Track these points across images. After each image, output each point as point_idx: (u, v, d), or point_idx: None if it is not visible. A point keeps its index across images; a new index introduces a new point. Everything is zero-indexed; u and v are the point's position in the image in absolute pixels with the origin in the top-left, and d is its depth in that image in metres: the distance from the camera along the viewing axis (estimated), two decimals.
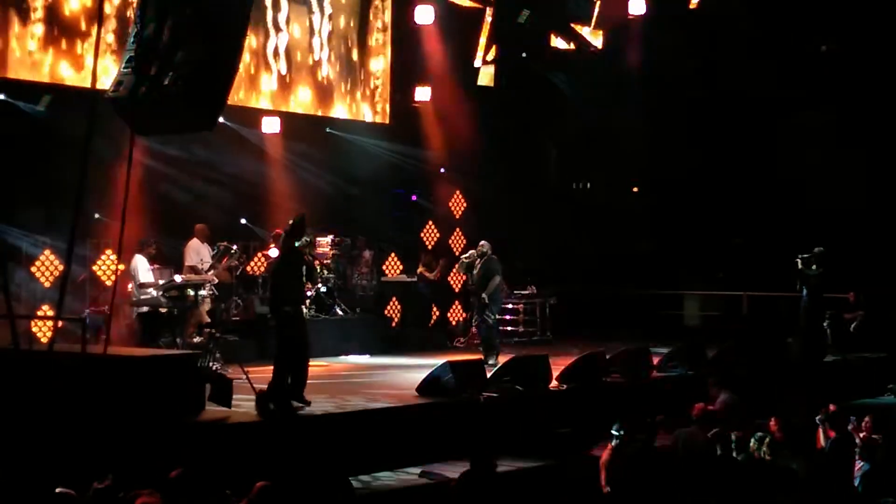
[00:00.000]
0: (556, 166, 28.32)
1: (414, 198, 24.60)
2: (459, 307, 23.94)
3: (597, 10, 25.07)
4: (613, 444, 12.19)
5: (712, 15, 25.33)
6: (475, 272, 18.40)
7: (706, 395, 15.17)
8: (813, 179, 25.65)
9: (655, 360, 17.61)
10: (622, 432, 12.21)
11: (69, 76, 17.95)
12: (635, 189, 28.80)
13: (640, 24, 24.83)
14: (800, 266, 20.49)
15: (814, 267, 20.41)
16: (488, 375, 15.15)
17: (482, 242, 18.59)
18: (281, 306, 13.33)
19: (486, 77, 24.88)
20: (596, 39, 25.66)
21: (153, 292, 16.36)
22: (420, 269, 22.79)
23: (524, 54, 25.45)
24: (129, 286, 16.49)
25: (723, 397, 15.16)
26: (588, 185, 28.92)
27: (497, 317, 18.71)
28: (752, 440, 12.07)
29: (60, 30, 17.98)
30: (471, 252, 18.94)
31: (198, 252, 17.45)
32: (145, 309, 16.26)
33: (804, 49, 25.99)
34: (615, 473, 11.89)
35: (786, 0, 25.49)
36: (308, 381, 13.58)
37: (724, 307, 26.26)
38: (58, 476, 8.87)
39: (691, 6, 25.61)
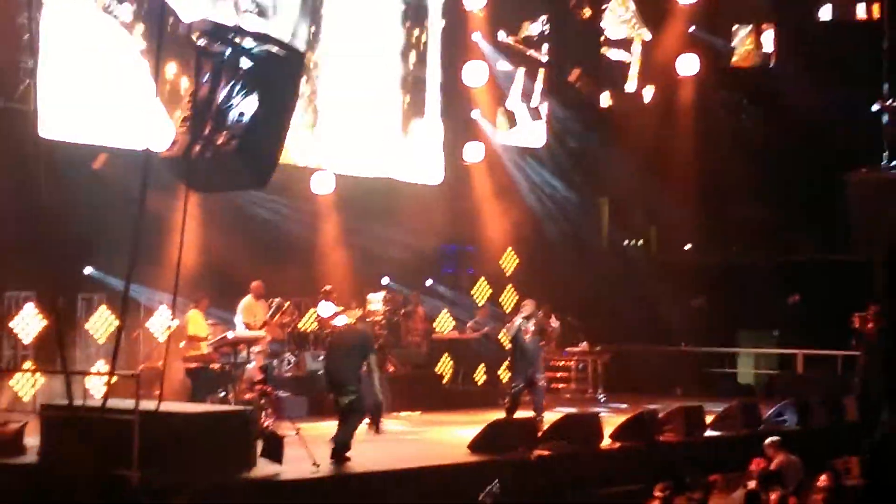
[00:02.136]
0: (608, 223, 28.31)
1: (465, 254, 24.63)
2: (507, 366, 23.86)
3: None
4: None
5: (768, 71, 25.39)
6: (528, 335, 17.31)
7: (761, 455, 14.98)
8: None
9: (709, 419, 17.44)
10: (668, 492, 12.07)
11: (125, 136, 18.23)
12: (688, 246, 28.67)
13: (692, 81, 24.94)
14: (856, 324, 20.26)
15: (870, 326, 20.17)
16: (539, 434, 15.07)
17: (527, 301, 17.88)
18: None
19: (536, 135, 25.02)
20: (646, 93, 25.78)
21: (205, 348, 16.48)
22: (470, 325, 22.80)
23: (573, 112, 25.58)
24: (182, 342, 16.61)
25: (780, 458, 14.97)
26: (640, 241, 28.85)
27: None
28: None
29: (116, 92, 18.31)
30: (517, 317, 17.72)
31: (251, 309, 17.58)
32: (197, 364, 16.37)
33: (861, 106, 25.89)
34: None
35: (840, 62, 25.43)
36: (360, 437, 13.64)
37: (779, 365, 26.01)
38: None
39: (744, 65, 25.69)
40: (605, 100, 25.87)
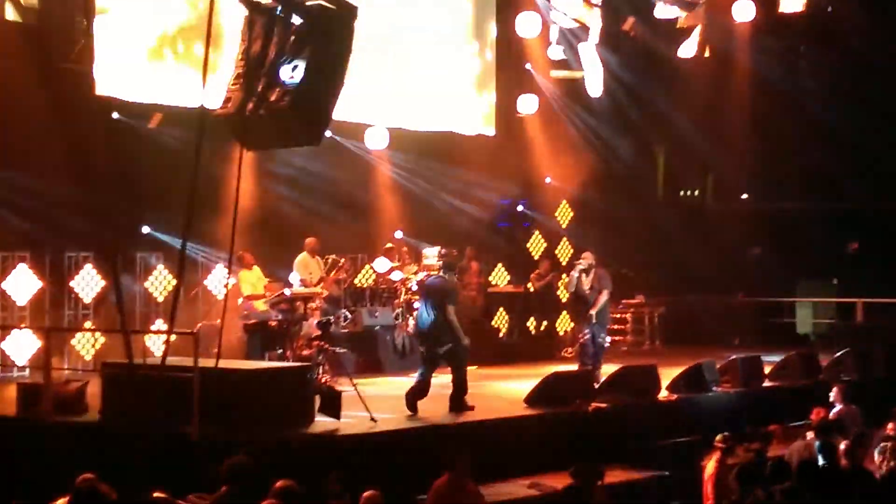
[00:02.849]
0: (663, 173, 28.10)
1: (520, 208, 24.58)
2: (567, 318, 23.82)
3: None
4: (718, 454, 12.00)
5: (825, 15, 25.01)
6: (587, 287, 17.02)
7: (822, 405, 14.89)
8: None
9: (767, 369, 17.35)
10: (728, 443, 12.02)
11: (179, 94, 18.28)
12: (745, 195, 28.41)
13: (747, 28, 24.62)
14: None
15: None
16: (597, 386, 15.07)
17: (585, 254, 17.56)
18: None
19: (592, 84, 24.82)
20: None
21: (262, 306, 16.59)
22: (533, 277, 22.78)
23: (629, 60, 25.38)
24: (240, 300, 16.74)
25: (839, 407, 14.87)
26: (696, 191, 28.64)
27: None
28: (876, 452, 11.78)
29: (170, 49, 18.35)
30: (574, 270, 17.45)
31: (307, 266, 17.65)
32: (255, 321, 16.48)
33: None
34: (721, 486, 11.70)
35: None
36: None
37: (839, 314, 25.79)
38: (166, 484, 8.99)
39: (799, 10, 25.32)
40: (660, 48, 25.58)
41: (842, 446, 11.69)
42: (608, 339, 17.80)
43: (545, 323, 23.23)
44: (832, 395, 15.11)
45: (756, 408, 15.84)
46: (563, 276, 20.63)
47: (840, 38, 25.85)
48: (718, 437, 12.15)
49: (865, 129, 25.26)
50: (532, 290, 22.86)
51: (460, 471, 10.39)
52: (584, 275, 17.06)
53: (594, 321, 16.95)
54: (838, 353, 18.43)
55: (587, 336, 17.02)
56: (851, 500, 9.73)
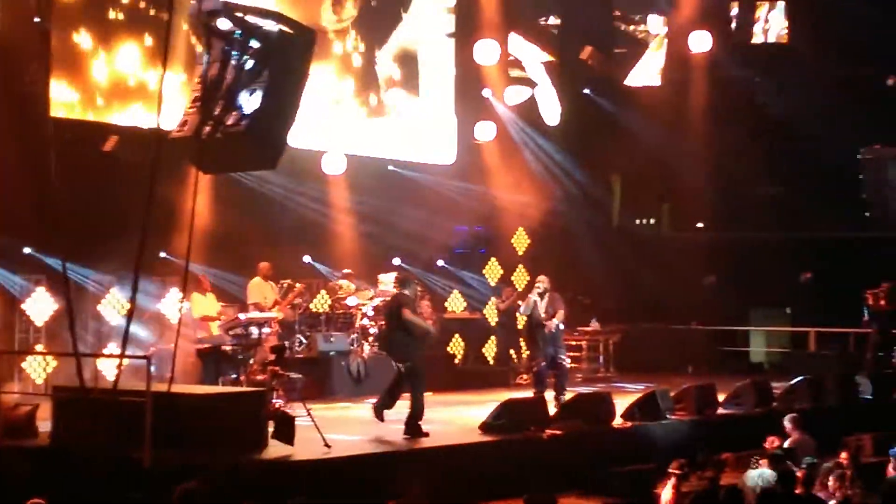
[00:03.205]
0: (620, 201, 28.23)
1: (477, 228, 24.61)
2: (523, 344, 23.84)
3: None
4: (673, 481, 12.03)
5: (782, 47, 25.29)
6: (542, 311, 17.11)
7: (775, 433, 14.96)
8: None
9: (721, 397, 17.41)
10: (683, 470, 12.05)
11: (136, 116, 18.19)
12: (700, 224, 28.58)
13: (704, 58, 24.85)
14: (869, 301, 20.23)
15: (882, 303, 20.14)
16: (551, 413, 15.07)
17: (541, 278, 17.56)
18: None
19: (548, 113, 24.95)
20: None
21: (215, 330, 16.49)
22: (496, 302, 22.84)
23: (586, 90, 25.52)
24: (191, 324, 16.63)
25: (795, 436, 14.95)
26: (652, 220, 28.79)
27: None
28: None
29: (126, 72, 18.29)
30: (532, 294, 17.48)
31: (260, 290, 17.57)
32: (208, 346, 16.38)
33: (877, 82, 25.75)
34: None
35: (854, 35, 25.28)
36: (372, 419, 13.95)
37: (792, 343, 25.97)
38: None
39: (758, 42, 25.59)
40: (618, 78, 25.77)
41: (798, 473, 11.78)
42: (567, 360, 17.82)
43: (499, 349, 23.25)
44: (786, 423, 15.19)
45: (710, 436, 15.86)
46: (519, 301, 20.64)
47: (797, 70, 26.13)
48: (674, 464, 12.17)
49: (822, 159, 25.53)
50: (497, 312, 22.91)
51: (412, 498, 10.34)
52: (539, 299, 17.13)
53: (549, 344, 16.97)
54: (792, 382, 18.52)
55: (542, 363, 17.02)
56: None
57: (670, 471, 12.18)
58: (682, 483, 12.08)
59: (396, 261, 21.99)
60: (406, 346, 14.23)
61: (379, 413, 14.29)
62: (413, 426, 13.84)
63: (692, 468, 12.24)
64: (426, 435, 13.77)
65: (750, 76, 26.99)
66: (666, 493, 12.05)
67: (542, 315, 17.05)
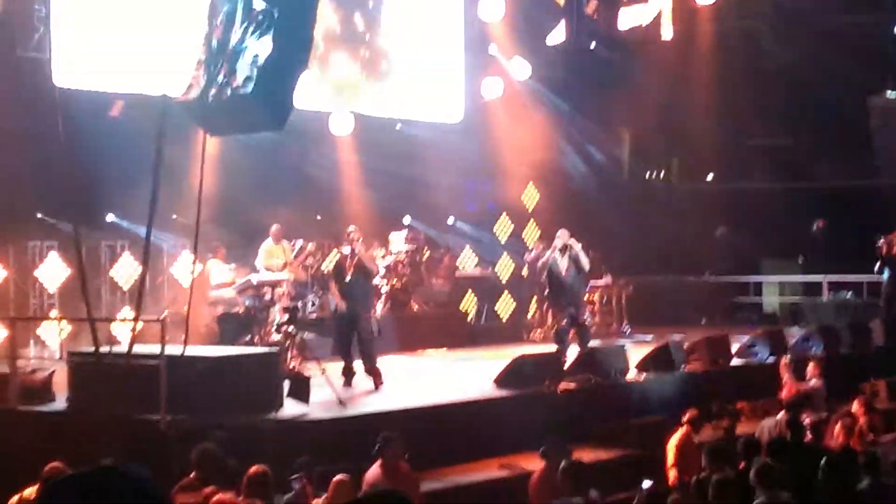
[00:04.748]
0: (630, 154, 28.15)
1: (486, 186, 24.59)
2: (536, 299, 23.85)
3: None
4: (684, 430, 12.08)
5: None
6: (565, 266, 16.68)
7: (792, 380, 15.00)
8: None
9: (735, 348, 17.44)
10: (695, 420, 12.10)
11: (142, 82, 18.16)
12: (710, 175, 28.52)
13: (711, 9, 24.72)
14: (882, 249, 20.18)
15: (894, 249, 20.09)
16: (565, 367, 15.11)
17: (561, 232, 17.08)
18: None
19: (555, 65, 24.84)
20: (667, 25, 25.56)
21: (229, 293, 16.53)
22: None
23: (593, 43, 25.41)
24: (208, 290, 16.69)
25: (814, 382, 14.99)
26: (662, 172, 28.72)
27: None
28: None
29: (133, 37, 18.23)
30: (553, 246, 17.07)
31: (272, 252, 17.60)
32: (222, 309, 16.43)
33: (885, 28, 25.59)
34: (685, 455, 11.79)
35: None
36: (387, 377, 13.93)
37: (804, 292, 25.96)
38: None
39: None
40: (624, 29, 25.61)
41: (806, 421, 11.80)
42: (588, 316, 17.59)
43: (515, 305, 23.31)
44: (808, 369, 15.21)
45: (724, 386, 15.91)
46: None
47: (804, 18, 25.96)
48: (687, 413, 12.24)
49: (830, 108, 25.41)
50: (527, 267, 22.92)
51: (390, 455, 10.38)
52: (559, 254, 16.76)
53: (570, 302, 16.75)
54: (805, 330, 18.54)
55: (562, 321, 16.78)
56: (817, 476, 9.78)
57: (684, 419, 12.24)
58: (694, 433, 12.13)
59: (407, 219, 22.00)
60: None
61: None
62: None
63: (705, 418, 12.28)
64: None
65: (756, 26, 26.82)
66: (675, 437, 12.10)
67: (563, 272, 16.74)
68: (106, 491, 3.22)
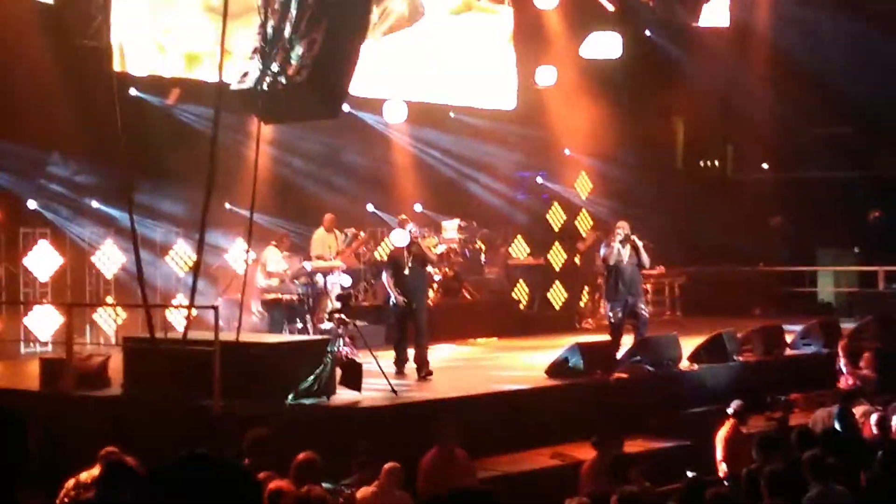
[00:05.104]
0: (683, 143, 27.97)
1: (539, 180, 24.54)
2: (588, 289, 23.77)
3: None
4: (731, 422, 12.00)
5: None
6: (626, 257, 16.31)
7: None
8: None
9: (789, 338, 17.31)
10: (741, 411, 12.03)
11: (197, 70, 18.27)
12: (765, 165, 28.29)
13: None
14: None
15: None
16: (618, 356, 15.07)
17: (621, 223, 16.79)
18: None
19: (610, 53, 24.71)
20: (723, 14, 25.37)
21: (282, 281, 16.64)
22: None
23: (648, 31, 25.28)
24: (260, 275, 16.79)
25: (866, 373, 14.87)
26: (716, 161, 28.52)
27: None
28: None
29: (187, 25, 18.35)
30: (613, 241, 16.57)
31: (324, 241, 17.66)
32: (275, 296, 16.53)
33: None
34: (734, 451, 11.72)
35: None
36: (438, 365, 13.90)
37: (860, 283, 25.70)
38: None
39: None
40: (682, 18, 25.42)
41: (859, 413, 11.67)
42: (646, 309, 17.09)
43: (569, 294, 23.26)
44: (862, 361, 15.08)
45: (778, 377, 15.81)
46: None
47: (862, 7, 25.68)
48: (734, 404, 12.17)
49: (886, 97, 25.09)
50: (578, 254, 22.83)
51: (447, 440, 10.42)
52: (621, 245, 16.42)
53: (628, 293, 16.39)
54: (860, 322, 18.35)
55: (619, 312, 16.38)
56: (873, 468, 9.69)
57: (730, 410, 12.18)
58: (741, 424, 12.05)
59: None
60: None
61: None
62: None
63: (754, 409, 12.21)
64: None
65: (814, 16, 26.53)
66: (723, 431, 12.05)
67: (625, 262, 16.35)
68: (204, 480, 3.26)
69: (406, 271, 15.04)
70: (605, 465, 10.26)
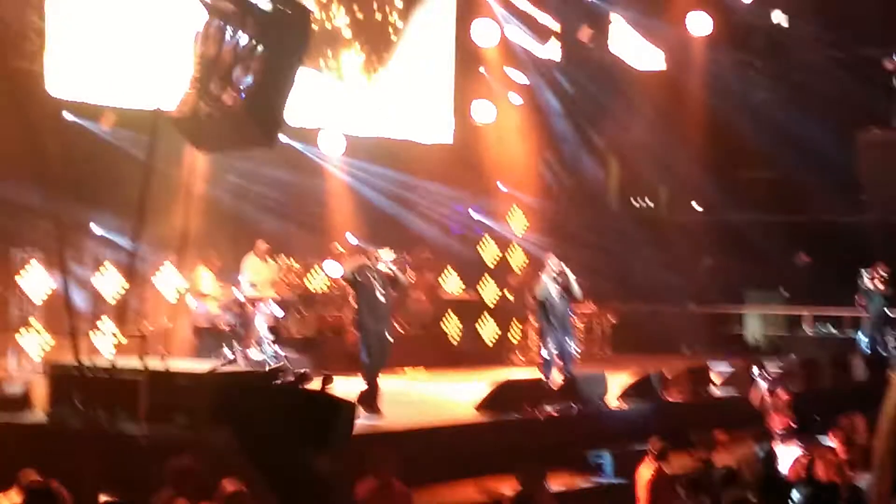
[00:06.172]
0: (617, 183, 28.21)
1: (473, 214, 24.60)
2: (517, 323, 23.80)
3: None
4: (655, 463, 12.04)
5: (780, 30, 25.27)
6: (556, 291, 16.58)
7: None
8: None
9: (716, 379, 17.47)
10: (661, 449, 12.08)
11: (133, 97, 18.16)
12: (698, 206, 28.58)
13: (703, 41, 24.85)
14: (865, 282, 20.28)
15: (878, 284, 20.19)
16: (547, 394, 15.12)
17: (552, 258, 16.94)
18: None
19: (546, 90, 24.94)
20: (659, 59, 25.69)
21: (212, 307, 16.53)
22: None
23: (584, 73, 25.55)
24: (190, 300, 16.67)
25: (787, 415, 15.03)
26: (649, 201, 28.77)
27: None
28: None
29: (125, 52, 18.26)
30: (544, 275, 16.89)
31: (255, 268, 17.58)
32: (203, 323, 16.41)
33: (874, 65, 25.71)
34: (659, 493, 11.77)
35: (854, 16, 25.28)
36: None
37: (787, 325, 26.01)
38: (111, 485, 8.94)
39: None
40: (615, 59, 25.71)
41: (782, 454, 11.79)
42: (573, 346, 17.24)
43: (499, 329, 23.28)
44: (783, 402, 15.23)
45: (704, 416, 15.92)
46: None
47: (794, 52, 26.13)
48: (652, 440, 12.17)
49: (818, 141, 25.49)
50: (510, 290, 22.87)
51: (385, 472, 10.40)
52: (551, 279, 16.54)
53: (559, 329, 16.59)
54: (784, 363, 18.58)
55: (551, 348, 16.54)
56: None
57: (650, 447, 12.23)
58: (665, 463, 12.11)
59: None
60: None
61: None
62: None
63: (684, 448, 12.27)
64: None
65: (748, 59, 26.95)
66: (646, 472, 12.09)
67: (555, 297, 16.50)
68: None
69: (380, 295, 14.58)
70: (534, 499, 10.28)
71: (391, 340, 14.67)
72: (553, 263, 16.74)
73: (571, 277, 16.58)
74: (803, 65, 25.97)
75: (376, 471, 10.41)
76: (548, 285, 16.55)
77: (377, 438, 12.60)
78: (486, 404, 14.40)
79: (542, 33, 25.07)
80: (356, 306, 14.81)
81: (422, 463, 12.40)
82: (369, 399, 13.88)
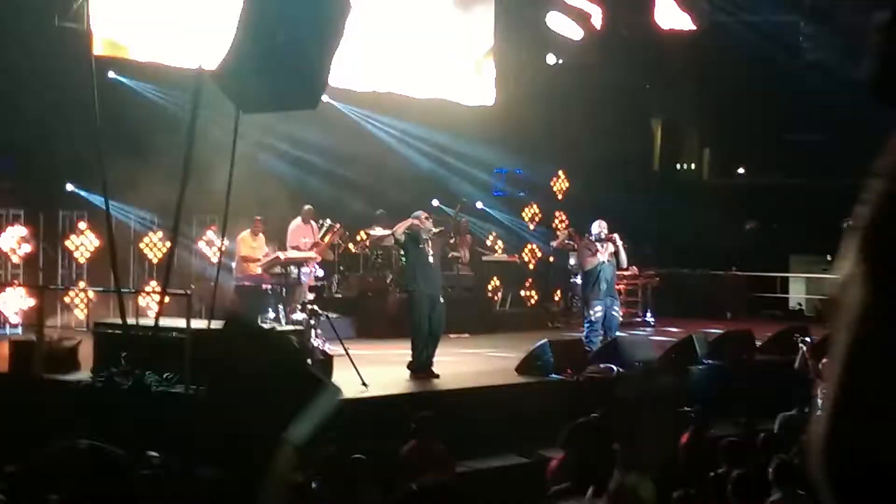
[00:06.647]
0: (661, 147, 28.06)
1: (516, 173, 24.53)
2: (559, 288, 23.80)
3: None
4: (692, 428, 11.97)
5: None
6: (605, 257, 16.37)
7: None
8: None
9: (759, 343, 17.38)
10: (701, 414, 12.02)
11: (177, 56, 18.21)
12: (741, 170, 28.41)
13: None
14: None
15: None
16: (587, 356, 15.10)
17: (599, 223, 16.81)
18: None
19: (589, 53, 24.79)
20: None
21: (255, 268, 16.60)
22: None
23: (625, 31, 25.33)
24: (234, 262, 16.74)
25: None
26: (693, 165, 28.62)
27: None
28: None
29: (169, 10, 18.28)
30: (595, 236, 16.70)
31: (300, 231, 17.63)
32: (246, 283, 16.49)
33: None
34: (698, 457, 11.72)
35: None
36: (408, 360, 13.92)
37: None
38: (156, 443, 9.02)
39: None
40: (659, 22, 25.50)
41: None
42: (618, 311, 17.11)
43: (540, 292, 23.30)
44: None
45: (747, 381, 15.86)
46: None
47: (840, 15, 25.80)
48: (694, 411, 12.12)
49: (864, 105, 25.17)
50: (553, 248, 22.75)
51: (426, 435, 10.43)
52: (599, 244, 16.45)
53: (602, 293, 16.47)
54: (829, 329, 18.43)
55: (599, 312, 16.44)
56: None
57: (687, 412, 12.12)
58: (705, 428, 12.01)
59: (435, 202, 21.97)
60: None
61: None
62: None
63: (720, 413, 12.20)
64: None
65: (793, 21, 26.67)
66: (684, 438, 12.01)
67: (606, 261, 16.38)
68: None
69: (430, 258, 14.57)
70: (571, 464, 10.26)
71: (443, 304, 14.59)
72: (599, 227, 16.62)
73: (619, 242, 16.50)
74: (852, 27, 25.63)
75: (417, 433, 10.44)
76: (594, 248, 16.47)
77: (418, 400, 12.63)
78: (526, 366, 14.39)
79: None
80: (407, 268, 14.81)
81: (464, 425, 12.45)
82: (421, 361, 13.93)
